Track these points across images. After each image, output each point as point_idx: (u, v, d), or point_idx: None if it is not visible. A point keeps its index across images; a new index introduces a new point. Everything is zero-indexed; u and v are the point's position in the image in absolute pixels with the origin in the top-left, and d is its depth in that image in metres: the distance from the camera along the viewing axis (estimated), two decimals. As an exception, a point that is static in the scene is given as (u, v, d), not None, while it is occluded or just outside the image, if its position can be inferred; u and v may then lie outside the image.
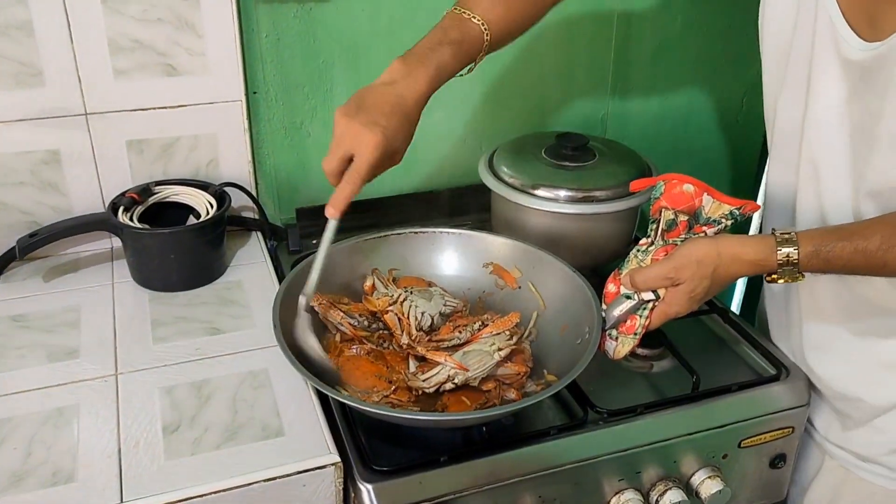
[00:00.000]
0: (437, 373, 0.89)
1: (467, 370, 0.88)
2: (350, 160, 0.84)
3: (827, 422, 1.04)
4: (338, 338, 0.96)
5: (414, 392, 0.90)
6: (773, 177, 1.01)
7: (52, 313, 1.03)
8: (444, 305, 0.99)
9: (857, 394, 0.97)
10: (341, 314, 0.96)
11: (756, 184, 1.57)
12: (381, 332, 0.98)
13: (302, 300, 0.92)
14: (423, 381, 0.89)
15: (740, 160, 1.56)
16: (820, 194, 0.92)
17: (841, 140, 0.87)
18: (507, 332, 0.94)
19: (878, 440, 0.97)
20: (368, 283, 1.02)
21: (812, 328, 1.00)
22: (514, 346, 0.93)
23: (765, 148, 1.54)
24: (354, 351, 0.95)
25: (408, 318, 0.96)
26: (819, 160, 0.90)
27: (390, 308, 0.97)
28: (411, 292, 0.99)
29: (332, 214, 0.87)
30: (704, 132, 1.50)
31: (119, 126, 1.11)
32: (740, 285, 1.63)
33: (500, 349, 0.91)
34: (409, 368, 0.92)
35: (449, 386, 0.88)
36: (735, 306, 1.68)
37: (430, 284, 1.05)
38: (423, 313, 0.96)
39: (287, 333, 0.87)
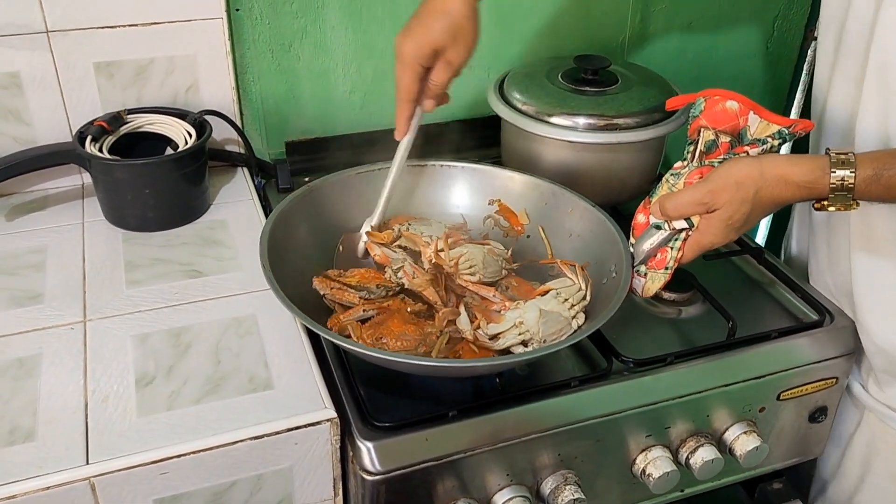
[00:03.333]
0: (506, 330, 0.79)
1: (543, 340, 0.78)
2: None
3: (866, 372, 0.95)
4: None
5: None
6: (834, 94, 0.90)
7: (16, 254, 0.93)
8: (447, 227, 0.92)
9: None
10: (354, 293, 0.83)
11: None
12: (405, 298, 0.86)
13: (361, 245, 0.90)
14: (491, 338, 0.78)
15: (770, 91, 1.46)
16: (887, 111, 0.81)
17: None
18: (574, 283, 0.84)
19: None
20: (376, 253, 0.89)
21: (862, 263, 0.90)
22: (586, 306, 0.83)
23: (795, 79, 1.44)
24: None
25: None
26: (890, 67, 0.80)
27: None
28: (409, 224, 0.91)
29: (400, 137, 0.88)
30: (732, 60, 1.39)
31: (85, 46, 1.00)
32: (765, 220, 1.52)
33: (574, 316, 0.81)
34: (463, 321, 0.80)
35: (519, 349, 0.78)
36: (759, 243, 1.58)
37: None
38: (430, 236, 0.88)
39: (277, 270, 0.77)
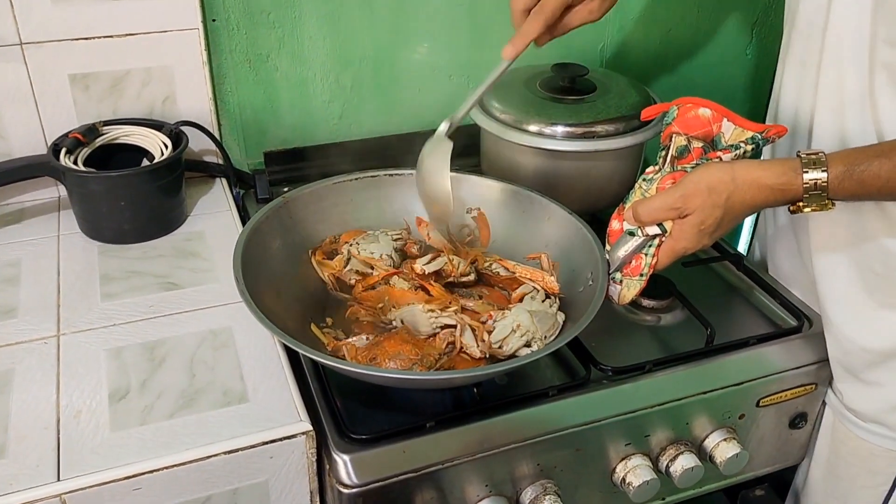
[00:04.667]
0: (507, 336, 0.79)
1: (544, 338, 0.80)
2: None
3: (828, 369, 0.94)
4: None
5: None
6: (788, 86, 0.91)
7: (-10, 268, 0.92)
8: (394, 240, 0.92)
9: (855, 336, 0.88)
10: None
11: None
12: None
13: (443, 126, 0.89)
14: (497, 344, 0.79)
15: (750, 97, 1.46)
16: (842, 89, 0.81)
17: (868, 20, 0.77)
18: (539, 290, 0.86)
19: (874, 395, 0.89)
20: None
21: (821, 258, 0.90)
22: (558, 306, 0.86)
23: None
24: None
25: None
26: (843, 46, 0.80)
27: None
28: (357, 243, 0.91)
29: (509, 55, 0.85)
30: (711, 67, 1.39)
31: (60, 58, 0.99)
32: (748, 225, 1.52)
33: (556, 312, 0.83)
34: (468, 337, 0.81)
35: (525, 351, 0.79)
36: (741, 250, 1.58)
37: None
38: (381, 255, 0.89)
39: (252, 283, 0.77)
